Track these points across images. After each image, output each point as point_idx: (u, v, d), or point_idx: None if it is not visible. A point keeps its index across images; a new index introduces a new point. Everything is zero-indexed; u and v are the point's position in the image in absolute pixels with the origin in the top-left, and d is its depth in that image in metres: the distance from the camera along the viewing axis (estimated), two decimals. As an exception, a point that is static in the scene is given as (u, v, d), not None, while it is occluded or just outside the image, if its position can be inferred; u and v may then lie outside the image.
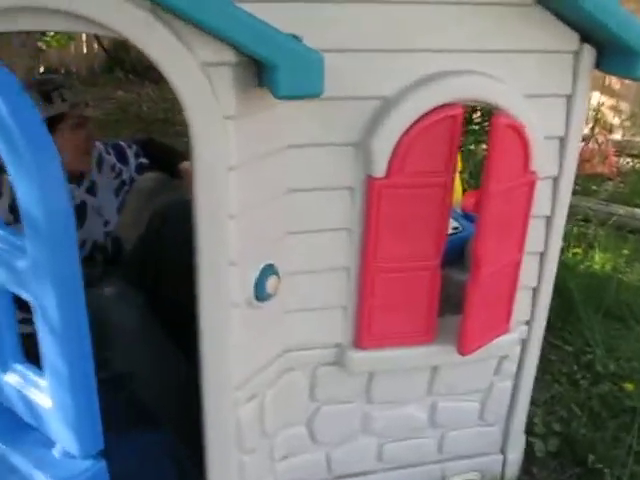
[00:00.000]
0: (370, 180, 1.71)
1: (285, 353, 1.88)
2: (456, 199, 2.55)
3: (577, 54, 1.78)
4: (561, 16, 1.71)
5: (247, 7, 1.32)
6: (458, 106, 1.71)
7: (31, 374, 1.45)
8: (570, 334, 3.24)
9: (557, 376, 2.95)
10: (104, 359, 1.97)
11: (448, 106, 1.70)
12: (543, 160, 1.84)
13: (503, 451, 2.31)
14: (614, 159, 5.77)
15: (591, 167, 5.49)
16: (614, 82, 6.40)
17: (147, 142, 2.76)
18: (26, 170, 1.15)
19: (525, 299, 2.06)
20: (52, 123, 2.17)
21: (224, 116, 1.46)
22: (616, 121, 6.64)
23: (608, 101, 6.60)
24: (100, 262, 2.48)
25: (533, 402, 2.38)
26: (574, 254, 4.01)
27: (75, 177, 2.34)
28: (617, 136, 6.50)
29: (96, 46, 8.36)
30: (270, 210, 1.69)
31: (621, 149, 6.11)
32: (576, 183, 2.01)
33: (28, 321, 1.40)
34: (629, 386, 2.82)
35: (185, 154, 2.45)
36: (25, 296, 1.32)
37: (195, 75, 1.40)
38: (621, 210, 4.68)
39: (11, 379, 1.50)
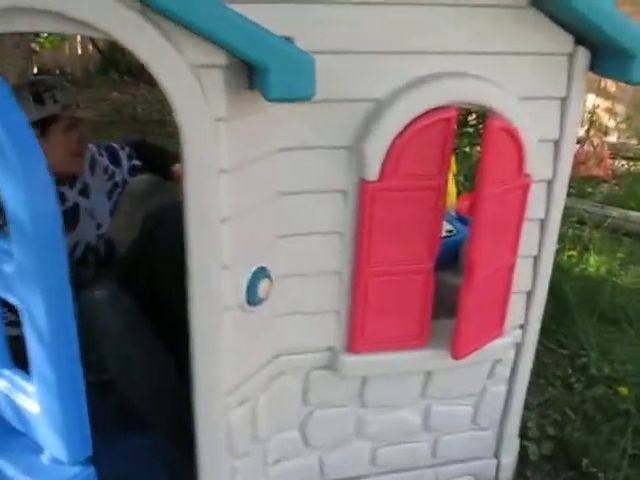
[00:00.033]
0: (363, 183, 1.70)
1: (277, 357, 1.87)
2: (450, 202, 2.54)
3: (571, 56, 1.77)
4: (555, 18, 1.70)
5: (237, 8, 1.31)
6: (452, 109, 1.70)
7: (19, 379, 1.44)
8: (565, 337, 3.23)
9: (551, 379, 2.94)
10: (94, 362, 1.97)
11: (441, 109, 1.69)
12: (537, 163, 1.83)
13: (497, 455, 2.30)
14: (609, 162, 5.77)
15: (586, 169, 5.49)
16: (609, 84, 6.39)
17: (140, 144, 2.75)
18: (12, 173, 1.14)
19: (519, 303, 2.05)
20: (44, 125, 2.17)
21: (215, 119, 1.44)
22: (611, 124, 6.64)
23: (603, 103, 6.59)
24: (92, 264, 2.47)
25: (527, 406, 2.37)
26: (569, 256, 4.00)
27: (67, 179, 2.33)
28: (612, 139, 6.51)
29: (91, 47, 8.36)
30: (262, 213, 1.67)
31: (616, 152, 6.11)
32: (571, 185, 2.00)
33: (17, 324, 1.39)
34: (623, 390, 2.81)
35: (178, 156, 2.44)
36: (12, 300, 1.30)
37: (185, 77, 1.39)
38: (616, 213, 4.68)
39: (-1, 384, 1.49)
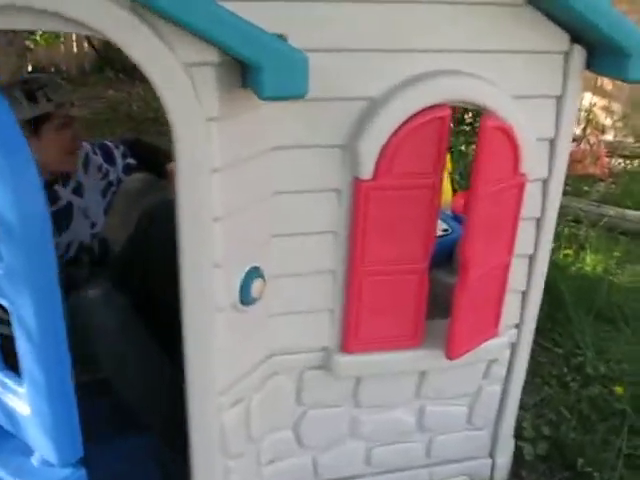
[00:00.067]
0: (357, 182, 1.69)
1: (271, 357, 1.86)
2: (446, 201, 2.53)
3: (567, 55, 1.76)
4: (552, 16, 1.69)
5: (230, 6, 1.29)
6: (446, 107, 1.68)
7: (9, 381, 1.42)
8: (560, 336, 3.23)
9: (547, 379, 2.94)
10: (88, 362, 1.96)
11: (436, 107, 1.68)
12: (533, 162, 1.82)
13: (492, 455, 2.30)
14: (606, 160, 5.77)
15: (583, 168, 5.49)
16: (606, 83, 6.39)
17: (134, 142, 2.73)
18: (0, 174, 1.12)
19: (514, 302, 2.04)
20: (37, 123, 2.15)
21: (207, 118, 1.43)
22: (608, 122, 6.64)
23: (600, 102, 6.60)
24: (86, 264, 2.46)
25: (522, 405, 2.37)
26: (565, 255, 4.00)
27: (61, 178, 2.31)
28: (609, 137, 6.51)
29: (86, 45, 8.34)
30: (255, 212, 1.66)
31: (613, 150, 6.11)
32: (567, 184, 2.00)
33: (8, 322, 1.37)
34: (619, 389, 2.80)
35: (173, 154, 2.43)
36: (1, 302, 1.29)
37: (177, 75, 1.37)
38: (612, 211, 4.67)
39: (-11, 386, 1.47)
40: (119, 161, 2.58)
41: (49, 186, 2.27)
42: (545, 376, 2.95)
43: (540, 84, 1.78)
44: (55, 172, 2.28)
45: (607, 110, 6.64)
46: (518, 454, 2.42)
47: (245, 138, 1.55)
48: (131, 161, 2.62)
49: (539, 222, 1.95)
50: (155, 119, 6.08)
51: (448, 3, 1.63)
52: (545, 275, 2.04)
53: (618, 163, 6.02)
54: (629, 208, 4.80)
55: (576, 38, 1.74)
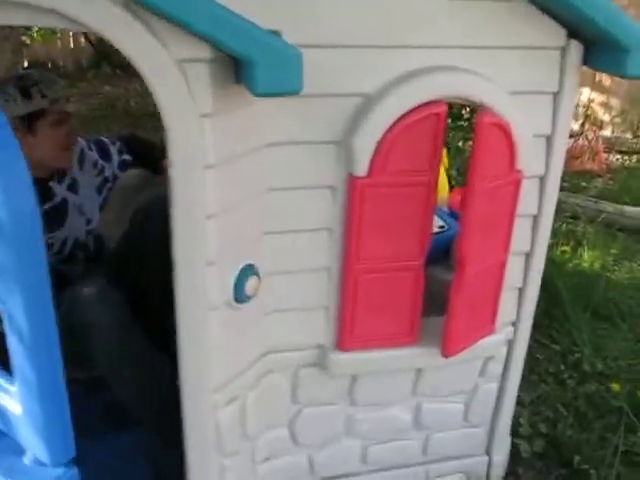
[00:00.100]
0: (352, 179, 1.68)
1: (265, 355, 1.85)
2: (442, 197, 2.53)
3: (564, 50, 1.74)
4: (548, 11, 1.68)
5: (223, 1, 1.28)
6: (442, 103, 1.67)
7: (0, 379, 1.41)
8: (558, 333, 3.22)
9: (544, 376, 2.93)
10: (82, 359, 1.95)
11: (432, 103, 1.66)
12: (529, 159, 1.81)
13: (488, 452, 2.29)
14: (604, 156, 5.76)
15: (580, 164, 5.49)
16: (604, 78, 6.39)
17: (130, 138, 2.73)
18: (-11, 170, 1.11)
19: (511, 300, 2.03)
20: (31, 119, 2.15)
21: (200, 114, 1.42)
22: (606, 117, 6.63)
23: (598, 97, 6.59)
24: (82, 260, 2.45)
25: (519, 402, 2.36)
26: (562, 252, 3.99)
27: (56, 174, 2.31)
28: (607, 133, 6.50)
29: (83, 41, 8.32)
30: (250, 209, 1.65)
31: (611, 146, 6.11)
32: (565, 180, 1.99)
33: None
34: (615, 386, 2.80)
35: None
36: (-8, 300, 1.28)
37: (170, 72, 1.36)
38: (610, 207, 4.66)
39: (-19, 384, 1.46)
40: (115, 157, 2.57)
41: (44, 183, 2.26)
42: (542, 373, 2.95)
43: (537, 80, 1.77)
44: (50, 168, 2.27)
45: (605, 106, 6.63)
46: (515, 451, 2.42)
47: (239, 134, 1.54)
48: (127, 157, 2.61)
49: (536, 219, 1.94)
50: (152, 115, 6.04)
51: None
52: (542, 272, 2.03)
53: (616, 159, 6.02)
54: (627, 204, 4.79)
55: (573, 33, 1.73)
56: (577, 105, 6.11)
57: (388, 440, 2.13)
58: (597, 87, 6.48)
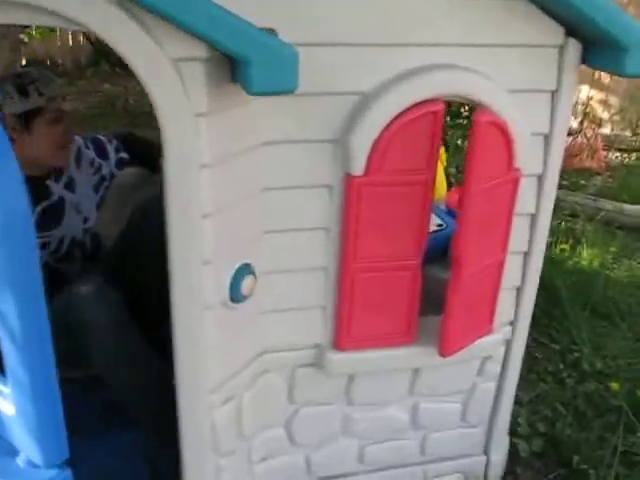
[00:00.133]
0: (349, 178, 1.67)
1: (262, 355, 1.84)
2: (440, 195, 2.52)
3: (562, 48, 1.74)
4: (546, 9, 1.67)
5: (218, 0, 1.27)
6: (439, 102, 1.66)
7: (-6, 381, 1.41)
8: (557, 331, 3.22)
9: (543, 375, 2.93)
10: (79, 358, 1.94)
11: (430, 101, 1.65)
12: (527, 157, 1.80)
13: (486, 452, 2.28)
14: (603, 153, 5.75)
15: (579, 161, 5.48)
16: (604, 76, 6.37)
17: (127, 137, 2.72)
18: (-19, 170, 1.10)
19: (509, 299, 2.02)
20: (28, 117, 2.14)
21: (196, 113, 1.41)
22: (605, 115, 6.62)
23: (597, 95, 6.58)
24: (79, 259, 2.45)
25: (517, 401, 2.36)
26: (561, 250, 3.99)
27: (53, 173, 2.30)
28: (606, 130, 6.49)
29: (82, 38, 8.31)
30: (246, 208, 1.64)
31: (610, 143, 6.10)
32: (564, 178, 1.98)
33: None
34: (614, 385, 2.79)
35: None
36: (-16, 301, 1.27)
37: (165, 71, 1.35)
38: (609, 205, 4.65)
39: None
40: (112, 155, 2.56)
41: (41, 181, 2.26)
42: (541, 372, 2.94)
43: (535, 78, 1.76)
44: (47, 167, 2.27)
45: (604, 103, 6.62)
46: (513, 451, 2.41)
47: (235, 133, 1.53)
48: (124, 155, 2.60)
49: (534, 218, 1.93)
50: (151, 113, 6.04)
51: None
52: (540, 271, 2.02)
53: (615, 157, 6.01)
54: (626, 202, 4.78)
55: (571, 32, 1.72)
56: (576, 103, 6.10)
57: (385, 440, 2.13)
58: (596, 84, 6.46)
